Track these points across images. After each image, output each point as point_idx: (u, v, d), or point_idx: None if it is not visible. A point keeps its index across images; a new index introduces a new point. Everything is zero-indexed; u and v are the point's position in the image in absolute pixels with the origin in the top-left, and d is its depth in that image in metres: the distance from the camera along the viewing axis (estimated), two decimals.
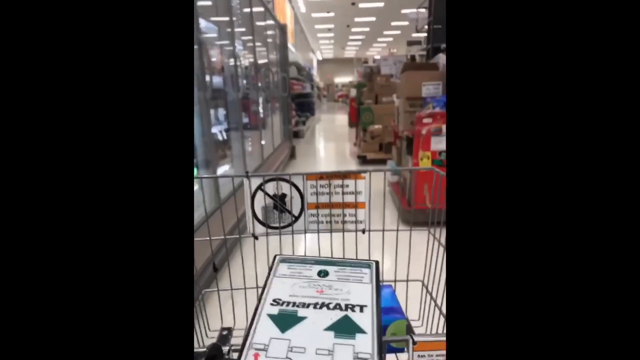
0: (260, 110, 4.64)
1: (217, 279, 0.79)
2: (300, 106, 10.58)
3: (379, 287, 0.43)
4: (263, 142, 4.65)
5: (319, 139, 9.60)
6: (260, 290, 0.78)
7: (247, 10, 4.11)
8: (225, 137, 3.43)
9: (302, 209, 0.79)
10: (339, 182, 0.78)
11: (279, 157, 5.60)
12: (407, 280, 0.81)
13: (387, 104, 5.77)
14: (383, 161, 5.34)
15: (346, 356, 0.31)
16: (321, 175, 0.78)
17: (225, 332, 0.79)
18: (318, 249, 0.79)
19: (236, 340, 0.79)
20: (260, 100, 4.59)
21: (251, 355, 0.32)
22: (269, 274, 0.42)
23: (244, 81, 3.96)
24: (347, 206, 0.79)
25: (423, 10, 5.56)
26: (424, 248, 0.73)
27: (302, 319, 0.35)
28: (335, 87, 31.79)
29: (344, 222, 0.79)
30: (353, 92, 11.04)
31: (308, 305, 0.36)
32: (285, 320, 0.34)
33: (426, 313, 0.78)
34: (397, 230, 0.78)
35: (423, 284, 0.79)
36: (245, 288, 0.79)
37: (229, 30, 3.34)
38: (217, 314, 0.80)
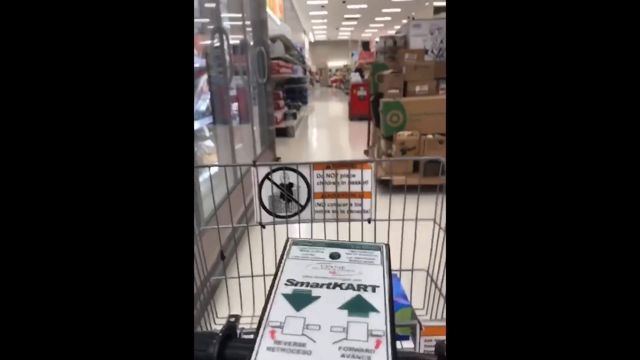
0: (209, 107, 2.93)
1: (225, 267, 0.85)
2: (290, 94, 8.95)
3: (390, 269, 0.47)
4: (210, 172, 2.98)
5: (314, 140, 7.36)
6: (266, 277, 0.84)
7: None
8: None
9: (309, 198, 0.85)
10: (346, 171, 0.84)
11: (248, 193, 2.43)
12: (412, 270, 0.88)
13: (424, 97, 3.85)
14: (415, 189, 1.91)
15: (360, 333, 0.34)
16: (328, 165, 0.84)
17: (232, 320, 0.85)
18: (324, 238, 0.85)
19: (244, 327, 0.85)
20: (210, 91, 2.91)
21: (268, 332, 0.34)
22: (282, 256, 0.45)
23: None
24: (353, 196, 0.85)
25: None
26: (429, 238, 0.79)
27: (316, 298, 0.38)
28: (328, 71, 31.64)
29: (350, 211, 0.85)
30: (355, 77, 9.33)
31: (321, 285, 0.39)
32: (300, 299, 0.37)
33: (430, 301, 0.85)
34: (403, 220, 0.85)
35: (428, 273, 0.85)
36: (252, 276, 0.85)
37: None
38: (225, 302, 0.86)
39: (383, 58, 4.92)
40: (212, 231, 0.89)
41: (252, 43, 4.08)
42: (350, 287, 0.39)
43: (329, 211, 0.86)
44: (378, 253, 0.50)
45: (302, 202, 0.85)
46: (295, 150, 6.15)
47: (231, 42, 2.71)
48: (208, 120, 2.89)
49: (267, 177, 0.82)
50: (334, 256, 0.44)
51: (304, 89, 10.69)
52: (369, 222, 0.86)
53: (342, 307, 0.37)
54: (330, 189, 0.84)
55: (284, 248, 0.47)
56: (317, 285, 0.39)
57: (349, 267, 0.43)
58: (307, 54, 15.88)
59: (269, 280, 0.89)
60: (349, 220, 0.85)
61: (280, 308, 0.37)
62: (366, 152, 5.20)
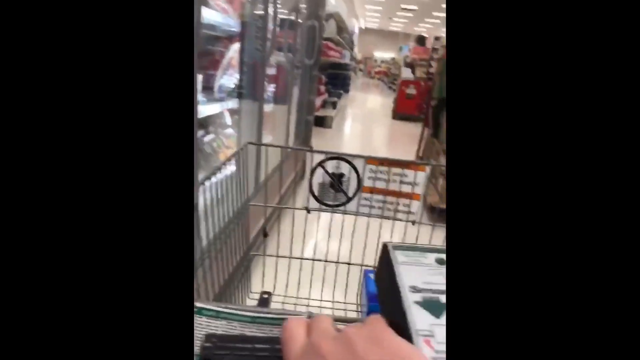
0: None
1: (265, 245, 0.91)
2: (333, 80, 8.60)
3: None
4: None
5: (352, 135, 7.24)
6: (303, 261, 0.89)
7: None
8: None
9: (358, 190, 0.89)
10: (398, 170, 0.88)
11: (285, 179, 2.99)
12: None
13: None
14: None
15: None
16: (382, 162, 0.89)
17: (265, 296, 0.91)
18: (366, 234, 0.89)
19: (275, 305, 0.92)
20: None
21: (422, 341, 0.35)
22: (386, 260, 0.45)
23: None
24: (402, 196, 0.89)
25: None
26: None
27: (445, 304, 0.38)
28: (374, 61, 31.35)
29: (396, 210, 0.90)
30: (405, 73, 9.00)
31: (444, 292, 0.40)
32: (434, 307, 0.38)
33: None
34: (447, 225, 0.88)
35: None
36: (290, 257, 0.91)
37: None
38: (259, 278, 0.92)
39: None
40: (252, 209, 0.95)
41: (302, 18, 3.64)
42: None
43: (374, 207, 0.91)
44: None
45: (350, 193, 0.90)
46: (331, 144, 5.97)
47: (279, 11, 2.43)
48: (232, 102, 2.45)
49: (320, 164, 0.88)
50: (441, 262, 0.45)
51: (348, 76, 10.45)
52: (413, 223, 0.90)
53: None
54: (380, 185, 0.89)
55: (384, 252, 0.47)
56: (440, 292, 0.40)
57: None
58: (355, 40, 15.69)
59: (306, 264, 0.95)
60: (394, 218, 0.90)
61: (421, 316, 0.37)
62: (419, 157, 4.79)
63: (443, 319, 0.37)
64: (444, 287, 0.41)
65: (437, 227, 0.90)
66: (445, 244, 0.47)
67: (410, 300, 0.39)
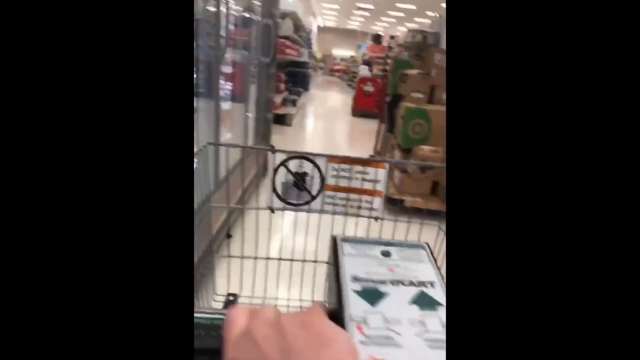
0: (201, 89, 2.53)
1: (229, 246, 0.91)
2: (293, 78, 8.51)
3: (437, 265, 0.50)
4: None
5: (312, 133, 7.24)
6: (269, 261, 0.90)
7: None
8: None
9: (321, 189, 0.91)
10: (360, 168, 0.90)
11: (246, 177, 2.86)
12: None
13: None
14: (437, 214, 1.64)
15: (436, 325, 0.38)
16: (344, 160, 0.90)
17: (231, 298, 0.91)
18: (331, 231, 0.91)
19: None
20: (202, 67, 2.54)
21: (354, 327, 0.37)
22: (334, 251, 0.48)
23: None
24: (364, 192, 0.92)
25: None
26: (432, 242, 0.86)
27: (385, 294, 0.41)
28: (333, 59, 31.56)
29: (359, 207, 0.92)
30: (363, 70, 9.09)
31: (385, 282, 0.43)
32: (371, 296, 0.41)
33: None
34: (409, 222, 0.91)
35: None
36: (256, 258, 0.91)
37: None
38: (224, 280, 0.92)
39: (408, 55, 4.59)
40: (214, 209, 0.94)
41: (257, 15, 3.79)
42: (411, 283, 0.43)
43: (338, 204, 0.92)
44: (424, 251, 0.55)
45: (314, 192, 0.91)
46: (291, 142, 5.93)
47: (232, 9, 2.45)
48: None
49: (283, 163, 0.88)
50: (386, 254, 0.48)
51: (308, 74, 10.51)
52: (376, 219, 0.93)
53: (412, 302, 0.41)
54: (343, 183, 0.91)
55: (333, 244, 0.49)
56: (381, 282, 0.43)
57: (403, 264, 0.47)
58: (314, 38, 15.73)
59: (271, 263, 0.95)
60: (358, 215, 0.92)
61: (356, 304, 0.40)
62: (375, 154, 4.78)
63: (378, 307, 0.40)
64: (384, 278, 0.43)
65: (399, 222, 0.92)
66: (392, 237, 0.48)
67: (349, 288, 0.42)
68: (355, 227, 0.90)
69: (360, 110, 8.39)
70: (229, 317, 0.37)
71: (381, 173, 0.91)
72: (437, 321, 0.39)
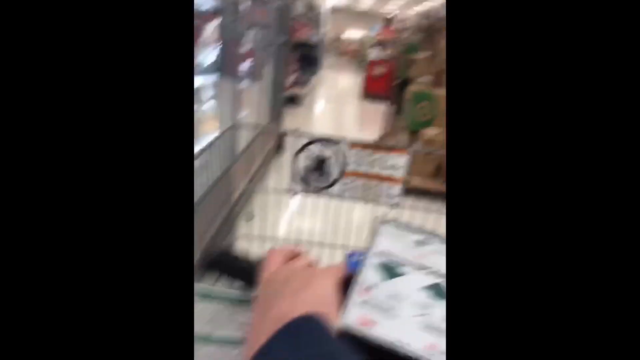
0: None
1: (248, 226, 0.92)
2: (306, 59, 8.22)
3: None
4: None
5: (323, 114, 7.33)
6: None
7: None
8: None
9: (341, 174, 0.91)
10: (381, 154, 0.90)
11: (259, 151, 2.94)
12: None
13: None
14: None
15: (438, 314, 0.39)
16: (365, 145, 0.90)
17: None
18: (348, 217, 0.92)
19: None
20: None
21: (360, 289, 0.40)
22: (373, 230, 0.50)
23: None
24: (384, 179, 0.92)
25: None
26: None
27: (403, 274, 0.44)
28: (344, 41, 31.12)
29: (378, 194, 0.92)
30: (374, 53, 8.98)
31: (408, 265, 0.45)
32: (389, 271, 0.43)
33: None
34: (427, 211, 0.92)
35: None
36: (274, 238, 0.92)
37: None
38: None
39: (417, 38, 4.56)
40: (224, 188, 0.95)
41: None
42: (432, 273, 0.44)
43: (357, 190, 0.93)
44: None
45: (334, 177, 0.91)
46: (302, 123, 5.82)
47: None
48: (211, 77, 2.59)
49: (306, 146, 0.88)
50: (422, 242, 0.49)
51: (319, 55, 10.37)
52: (393, 207, 0.93)
53: (425, 288, 0.42)
54: (363, 169, 0.91)
55: (375, 224, 0.51)
56: (404, 264, 0.45)
57: (435, 256, 0.48)
58: (325, 19, 15.47)
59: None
60: (376, 202, 0.92)
61: (371, 273, 0.42)
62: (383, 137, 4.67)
63: (391, 282, 0.42)
64: (409, 261, 0.45)
65: (419, 211, 0.93)
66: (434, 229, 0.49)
67: (372, 260, 0.44)
68: (372, 214, 0.91)
69: (370, 92, 8.24)
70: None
71: (402, 160, 0.91)
72: (441, 311, 0.40)
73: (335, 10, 29.98)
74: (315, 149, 0.89)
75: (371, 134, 4.92)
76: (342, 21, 31.15)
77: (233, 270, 0.46)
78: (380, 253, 0.45)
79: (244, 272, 0.46)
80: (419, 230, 0.50)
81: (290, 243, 0.94)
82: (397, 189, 0.93)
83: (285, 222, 0.91)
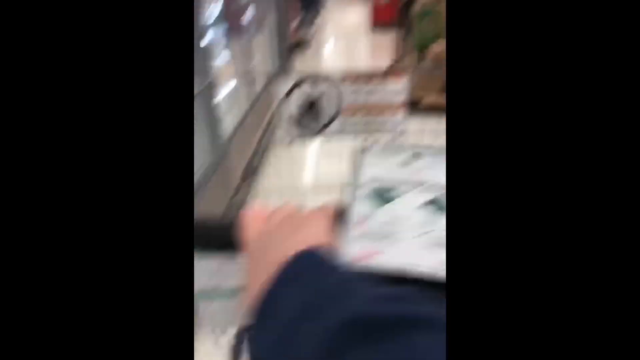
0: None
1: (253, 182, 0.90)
2: (307, 1, 7.48)
3: None
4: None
5: (332, 53, 7.11)
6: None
7: None
8: None
9: (337, 111, 0.86)
10: (378, 83, 0.84)
11: (259, 121, 2.56)
12: None
13: None
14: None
15: (443, 227, 0.37)
16: (357, 76, 0.84)
17: None
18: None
19: None
20: None
21: (354, 224, 0.38)
22: (359, 153, 0.47)
23: None
24: (384, 108, 0.86)
25: None
26: None
27: (398, 195, 0.41)
28: None
29: (381, 126, 0.87)
30: None
31: (403, 184, 0.42)
32: (382, 196, 0.41)
33: None
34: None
35: None
36: (292, 187, 0.90)
37: None
38: None
39: None
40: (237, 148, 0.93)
41: None
42: (432, 187, 0.42)
43: (357, 125, 0.88)
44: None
45: (330, 115, 0.86)
46: (313, 65, 5.97)
47: None
48: (220, 30, 2.71)
49: (295, 86, 0.84)
50: (416, 155, 0.45)
51: None
52: (399, 136, 0.88)
53: (425, 205, 0.40)
54: (360, 100, 0.86)
55: (355, 156, 0.48)
56: (399, 183, 0.42)
57: (432, 169, 0.44)
58: None
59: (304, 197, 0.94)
60: (378, 134, 0.88)
61: (363, 203, 0.40)
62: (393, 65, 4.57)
63: (386, 208, 0.40)
64: (404, 179, 0.42)
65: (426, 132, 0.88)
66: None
67: (361, 192, 0.41)
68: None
69: (379, 22, 7.94)
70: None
71: (400, 84, 0.84)
72: (444, 225, 0.38)
73: None
74: (306, 89, 0.84)
75: (384, 63, 4.88)
76: None
77: (211, 242, 0.43)
78: (368, 181, 0.42)
79: (222, 240, 0.43)
80: (403, 148, 0.47)
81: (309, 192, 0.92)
82: (399, 115, 0.87)
83: (302, 170, 0.89)
